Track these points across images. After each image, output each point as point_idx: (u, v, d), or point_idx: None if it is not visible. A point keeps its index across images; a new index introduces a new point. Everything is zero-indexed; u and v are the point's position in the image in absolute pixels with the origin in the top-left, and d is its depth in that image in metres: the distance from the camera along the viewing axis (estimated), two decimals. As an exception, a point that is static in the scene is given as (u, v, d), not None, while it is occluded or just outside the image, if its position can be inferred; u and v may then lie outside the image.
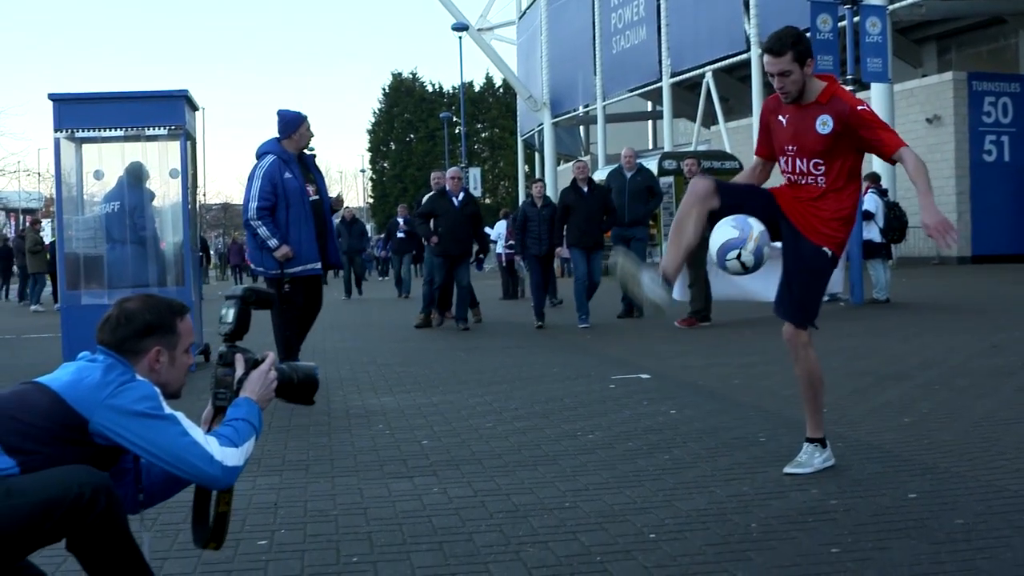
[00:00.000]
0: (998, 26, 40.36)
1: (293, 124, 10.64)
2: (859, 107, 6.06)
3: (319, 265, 10.63)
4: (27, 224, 33.13)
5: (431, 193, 18.36)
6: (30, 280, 30.20)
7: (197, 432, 3.58)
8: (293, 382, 4.11)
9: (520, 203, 21.26)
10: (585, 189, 16.62)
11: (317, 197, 10.84)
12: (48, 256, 29.51)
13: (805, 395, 6.44)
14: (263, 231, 10.33)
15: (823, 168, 6.11)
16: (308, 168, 10.91)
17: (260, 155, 10.67)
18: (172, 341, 3.81)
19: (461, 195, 17.24)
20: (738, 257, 6.11)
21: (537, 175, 68.78)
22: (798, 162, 6.19)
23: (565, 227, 16.67)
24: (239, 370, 3.94)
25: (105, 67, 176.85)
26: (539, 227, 17.10)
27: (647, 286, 5.92)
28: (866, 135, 6.03)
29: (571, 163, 63.95)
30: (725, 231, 6.13)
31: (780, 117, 6.26)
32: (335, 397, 9.92)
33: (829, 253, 6.19)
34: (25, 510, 3.27)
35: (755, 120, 35.09)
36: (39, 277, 30.00)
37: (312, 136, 10.87)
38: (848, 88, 19.96)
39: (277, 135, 10.67)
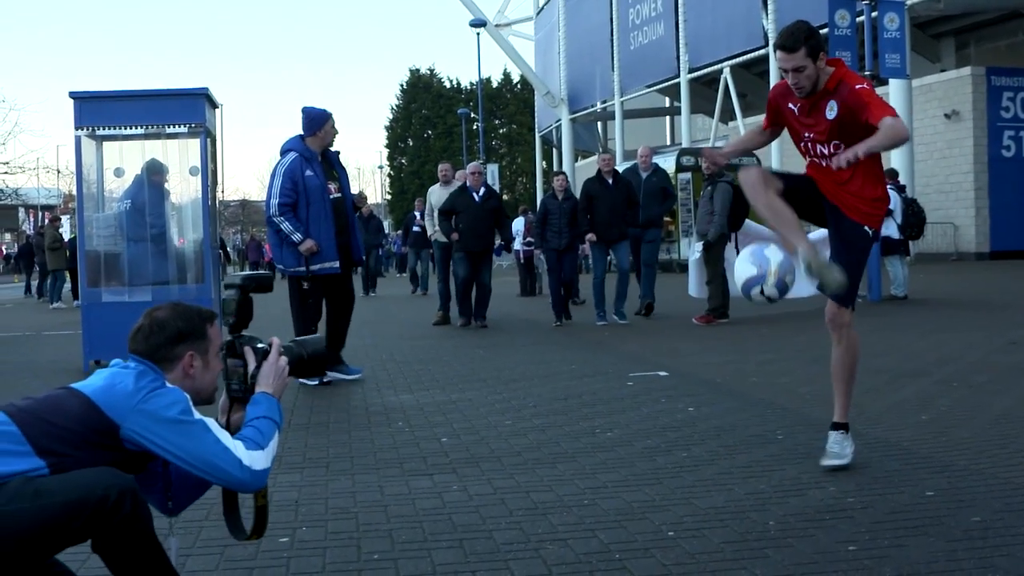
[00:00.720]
0: (1017, 20, 40.22)
1: (318, 121, 10.71)
2: (857, 85, 6.07)
3: (337, 264, 10.68)
4: (46, 221, 33.19)
5: (436, 185, 18.52)
6: (50, 277, 30.29)
7: (226, 437, 3.63)
8: (304, 358, 4.16)
9: (540, 198, 21.09)
10: (610, 181, 16.53)
11: (339, 195, 10.88)
12: (68, 253, 29.60)
13: (840, 376, 6.45)
14: (286, 226, 10.43)
15: (843, 149, 6.08)
16: (332, 165, 10.96)
17: (283, 152, 10.76)
18: (204, 346, 3.87)
19: (482, 190, 17.13)
20: (761, 292, 6.11)
21: (555, 171, 68.82)
22: (819, 147, 6.24)
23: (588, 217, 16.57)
24: (251, 363, 3.99)
25: (123, 64, 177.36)
26: (559, 220, 16.84)
27: (823, 270, 5.88)
28: (859, 111, 6.00)
29: (589, 159, 64.15)
30: (745, 268, 6.14)
31: (791, 105, 6.29)
32: (355, 395, 9.96)
33: (870, 232, 6.28)
34: (52, 510, 3.32)
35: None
36: (59, 274, 30.08)
37: (336, 133, 10.93)
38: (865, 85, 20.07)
39: (301, 132, 10.74)
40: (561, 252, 16.88)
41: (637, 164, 18.00)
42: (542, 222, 17.15)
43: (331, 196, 10.71)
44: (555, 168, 68.14)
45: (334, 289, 10.91)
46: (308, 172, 10.52)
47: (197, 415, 3.65)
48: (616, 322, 16.26)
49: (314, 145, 10.69)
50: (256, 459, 3.65)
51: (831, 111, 6.11)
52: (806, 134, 6.27)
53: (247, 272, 4.34)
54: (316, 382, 10.32)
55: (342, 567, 4.74)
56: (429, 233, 19.23)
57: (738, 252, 16.06)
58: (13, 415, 3.51)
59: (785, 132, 6.61)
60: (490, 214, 17.05)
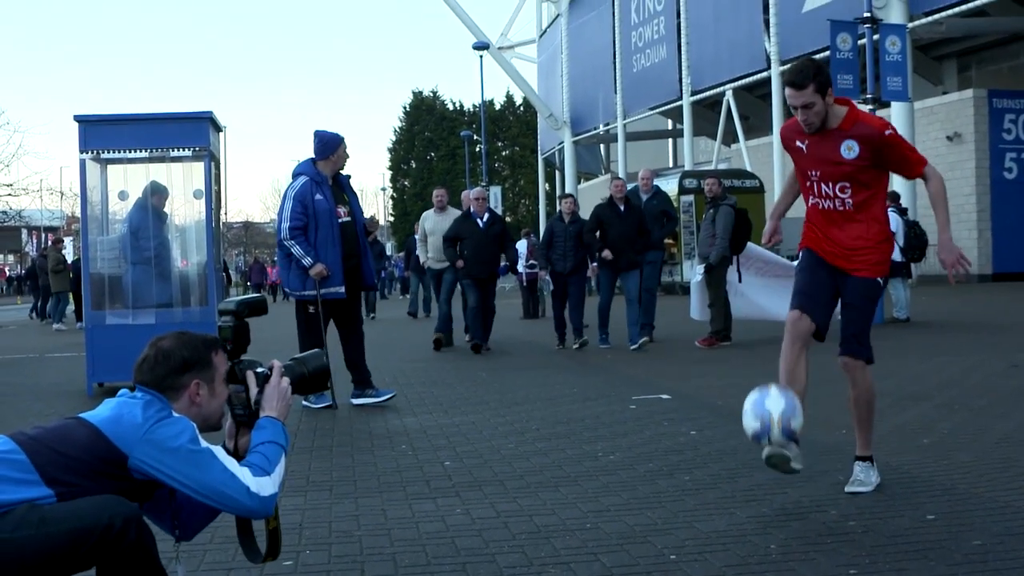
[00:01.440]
0: (1018, 43, 40.34)
1: (331, 145, 10.76)
2: (887, 131, 6.18)
3: (343, 289, 10.70)
4: (49, 243, 33.25)
5: (430, 211, 18.40)
6: (52, 299, 30.34)
7: (233, 464, 3.67)
8: (306, 376, 4.19)
9: (546, 219, 20.62)
10: (622, 207, 16.27)
11: (349, 219, 10.88)
12: (71, 275, 29.68)
13: (861, 415, 6.49)
14: (297, 250, 10.48)
15: (849, 191, 6.23)
16: (343, 189, 10.98)
17: (294, 176, 10.83)
18: (209, 375, 3.90)
19: (486, 215, 16.94)
20: (770, 442, 6.05)
21: (558, 193, 68.89)
22: (823, 186, 6.30)
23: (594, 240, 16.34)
24: (252, 389, 4.02)
25: (127, 85, 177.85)
26: (565, 243, 16.61)
27: (795, 459, 6.03)
28: (893, 158, 6.20)
29: (592, 181, 64.25)
30: (749, 423, 6.09)
31: (799, 143, 6.36)
32: (358, 418, 9.99)
33: (881, 281, 6.42)
34: (58, 538, 3.36)
35: (775, 138, 35.06)
36: (62, 296, 30.16)
37: (348, 158, 10.98)
38: (867, 107, 20.18)
39: (313, 155, 10.78)
40: (566, 275, 16.69)
41: (638, 186, 17.88)
42: (548, 245, 16.97)
43: (341, 220, 10.72)
44: (558, 190, 68.27)
45: (341, 314, 10.94)
46: (318, 196, 10.56)
47: (204, 444, 3.68)
48: (630, 347, 15.86)
49: (325, 169, 10.74)
50: (263, 485, 3.69)
51: (849, 151, 6.16)
52: (812, 172, 6.33)
53: (241, 297, 4.38)
54: (321, 405, 10.35)
55: (346, 590, 4.76)
56: (422, 260, 19.00)
57: (740, 275, 16.19)
58: (22, 443, 3.54)
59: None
60: (494, 240, 16.84)
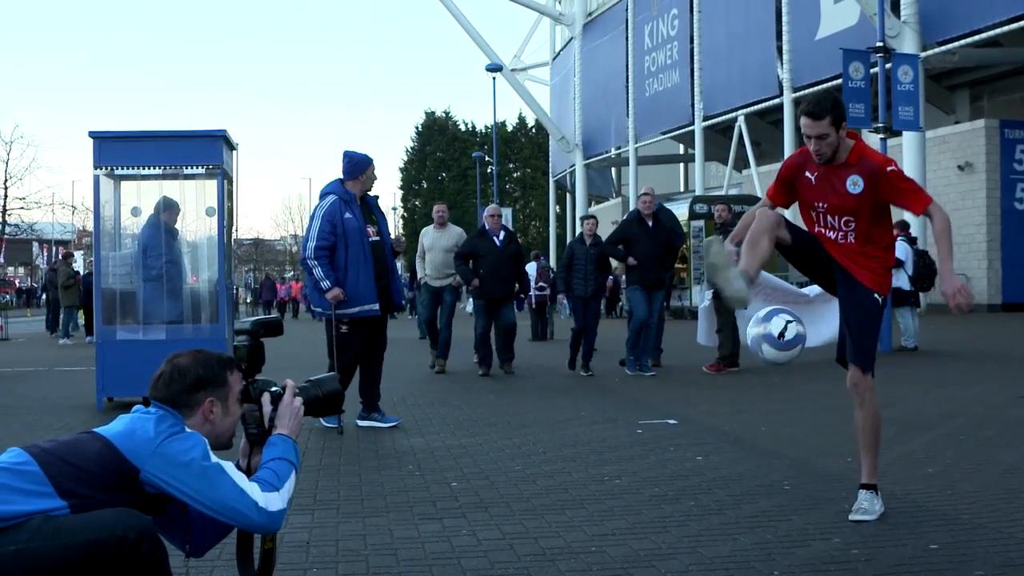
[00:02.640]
0: (1031, 74, 40.34)
1: (360, 166, 10.80)
2: (888, 168, 6.26)
3: (377, 307, 10.72)
4: (59, 257, 33.34)
5: (429, 227, 17.65)
6: (63, 313, 30.40)
7: (242, 479, 3.71)
8: (320, 398, 4.24)
9: (556, 241, 19.70)
10: (650, 223, 15.94)
11: (378, 238, 10.89)
12: (81, 289, 29.77)
13: (866, 441, 6.53)
14: (318, 271, 10.47)
15: (853, 225, 6.33)
16: (371, 209, 10.99)
17: (323, 195, 10.84)
18: (224, 393, 3.96)
19: (502, 234, 16.60)
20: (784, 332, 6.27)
21: (568, 215, 68.96)
22: (829, 218, 6.40)
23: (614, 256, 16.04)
24: (266, 408, 4.07)
25: (140, 99, 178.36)
26: (585, 266, 16.17)
27: (733, 277, 6.13)
28: (895, 195, 6.26)
29: (603, 204, 64.28)
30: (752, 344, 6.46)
31: (808, 174, 6.42)
32: (365, 437, 10.03)
33: (880, 299, 6.42)
34: (72, 549, 3.40)
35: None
36: (71, 310, 30.24)
37: (376, 179, 11.03)
38: (880, 136, 20.21)
39: (341, 176, 10.81)
40: (587, 300, 16.30)
41: (638, 209, 16.97)
42: (568, 267, 16.46)
43: (370, 239, 10.76)
44: (568, 213, 68.30)
45: (370, 332, 10.91)
46: (347, 215, 10.58)
47: (214, 459, 3.73)
48: (641, 374, 15.72)
49: (354, 188, 10.76)
50: (272, 500, 3.73)
51: (855, 186, 6.26)
52: (818, 204, 6.41)
53: (257, 317, 4.42)
54: (332, 425, 10.37)
55: (352, 609, 4.80)
56: (419, 276, 17.89)
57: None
58: (36, 455, 3.59)
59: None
60: (511, 259, 16.46)
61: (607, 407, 12.02)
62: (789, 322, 6.53)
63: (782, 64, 41.63)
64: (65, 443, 3.71)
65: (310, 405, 4.18)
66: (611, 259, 16.75)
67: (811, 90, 38.76)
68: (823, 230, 6.45)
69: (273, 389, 4.12)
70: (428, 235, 17.58)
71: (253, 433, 4.07)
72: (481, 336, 16.68)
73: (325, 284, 10.44)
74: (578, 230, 17.67)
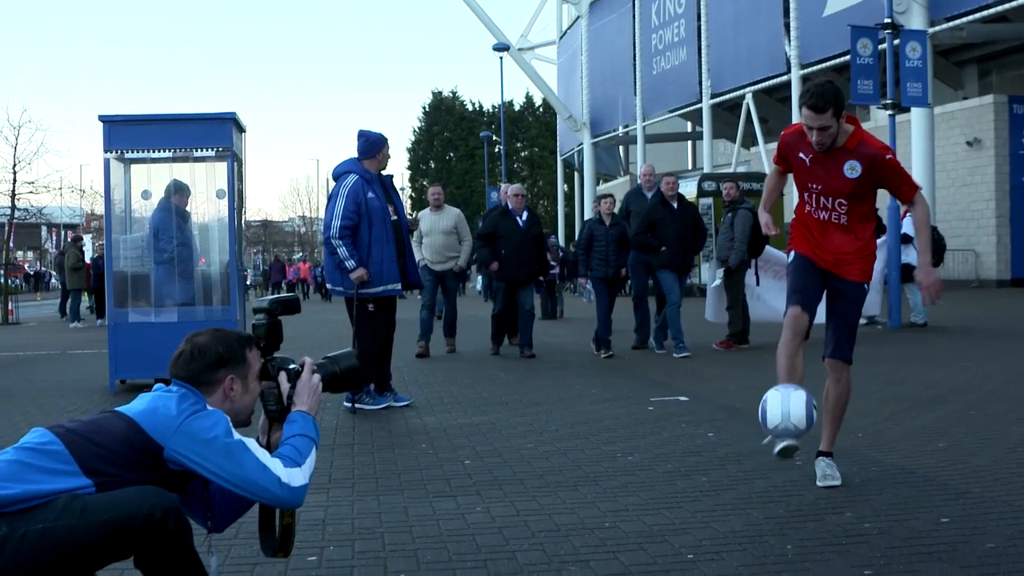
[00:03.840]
0: (1040, 49, 40.28)
1: (377, 145, 10.77)
2: (887, 155, 6.47)
3: (400, 286, 10.71)
4: (69, 241, 33.32)
5: (426, 210, 17.09)
6: (71, 296, 30.45)
7: (264, 455, 3.75)
8: (337, 374, 4.27)
9: (564, 221, 18.56)
10: (675, 205, 15.61)
11: (396, 218, 10.87)
12: (89, 273, 29.85)
13: (835, 413, 6.90)
14: (343, 251, 10.39)
15: (846, 207, 6.55)
16: (386, 189, 10.99)
17: (342, 174, 10.75)
18: (243, 371, 4.00)
19: (525, 214, 16.22)
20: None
21: (576, 194, 68.96)
22: (823, 199, 6.60)
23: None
24: (284, 385, 4.12)
25: (148, 84, 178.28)
26: (606, 247, 15.61)
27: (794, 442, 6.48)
28: (889, 181, 6.55)
29: (610, 183, 64.26)
30: (778, 426, 6.59)
31: (801, 155, 6.62)
32: (378, 417, 10.07)
33: (866, 286, 6.79)
34: (99, 527, 3.45)
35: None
36: (77, 294, 30.31)
37: (390, 158, 11.00)
38: (888, 112, 20.20)
39: (356, 155, 10.77)
40: (609, 281, 15.84)
41: (640, 185, 17.24)
42: (587, 248, 15.83)
43: (391, 219, 10.75)
44: (576, 191, 68.25)
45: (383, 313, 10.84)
46: (370, 194, 10.52)
47: (237, 435, 3.77)
48: (674, 355, 15.12)
49: (371, 168, 10.68)
50: (294, 476, 3.78)
51: (852, 171, 6.45)
52: (812, 185, 6.60)
53: (275, 296, 4.46)
54: (380, 406, 10.37)
55: (369, 585, 4.85)
56: (417, 260, 15.60)
57: (757, 279, 16.20)
58: (61, 435, 3.64)
59: None
60: (533, 241, 16.11)
61: (618, 385, 12.06)
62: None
63: (790, 41, 41.53)
64: (89, 422, 3.75)
65: (328, 382, 4.21)
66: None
67: (815, 69, 38.73)
68: (815, 210, 6.64)
69: (291, 367, 4.16)
70: (425, 218, 16.91)
71: (273, 410, 4.12)
72: (497, 316, 16.47)
73: (350, 264, 10.36)
74: (587, 209, 17.52)
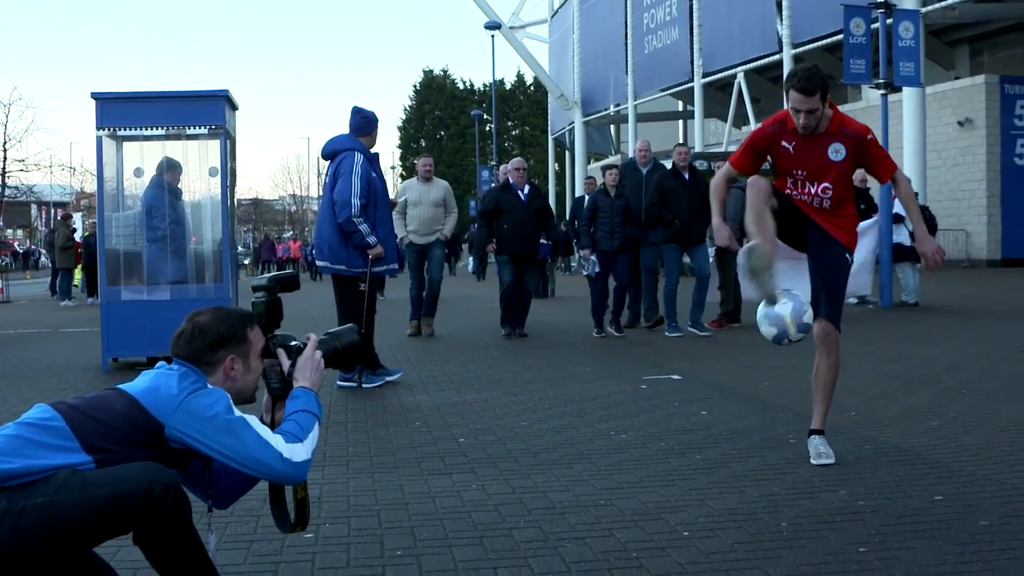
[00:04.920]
0: (1031, 29, 40.31)
1: (373, 123, 10.77)
2: (868, 136, 6.62)
3: (396, 266, 10.72)
4: (59, 219, 33.24)
5: (412, 180, 16.81)
6: (60, 275, 30.37)
7: (266, 432, 3.75)
8: (339, 350, 4.27)
9: (555, 199, 17.42)
10: (687, 176, 15.35)
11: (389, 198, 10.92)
12: (83, 252, 29.78)
13: (826, 389, 6.92)
14: (365, 228, 10.37)
15: (831, 192, 6.62)
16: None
17: (344, 151, 10.61)
18: (245, 350, 3.99)
19: (527, 188, 15.87)
20: (789, 341, 6.61)
21: (567, 173, 68.96)
22: (808, 185, 6.65)
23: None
24: (285, 362, 4.12)
25: (138, 62, 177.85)
26: (611, 219, 15.14)
27: (770, 276, 6.41)
28: (871, 160, 6.68)
29: (601, 161, 64.25)
30: (767, 330, 6.63)
31: (785, 143, 6.67)
32: (371, 394, 10.08)
33: (851, 257, 6.82)
34: (98, 501, 3.45)
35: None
36: (67, 272, 30.25)
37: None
38: (881, 91, 20.21)
39: (351, 132, 10.73)
40: (613, 254, 15.33)
41: (634, 159, 16.85)
42: (591, 221, 15.34)
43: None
44: (567, 170, 68.20)
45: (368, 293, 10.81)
46: (373, 173, 10.56)
47: (238, 412, 3.77)
48: (696, 334, 15.10)
49: (367, 145, 10.71)
50: (296, 451, 3.78)
51: (837, 154, 6.57)
52: (797, 172, 6.65)
53: (273, 273, 4.46)
54: (377, 384, 10.37)
55: (366, 563, 4.86)
56: (400, 235, 15.70)
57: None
58: (62, 412, 3.64)
59: None
60: (536, 214, 15.79)
61: (610, 363, 12.08)
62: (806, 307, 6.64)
63: (782, 20, 41.53)
64: (91, 399, 3.75)
65: (330, 358, 4.22)
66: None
67: (807, 48, 38.71)
68: (798, 195, 6.70)
69: (292, 343, 4.16)
70: (413, 189, 16.44)
71: (275, 387, 4.12)
72: (507, 292, 15.80)
73: (372, 240, 10.31)
74: (578, 187, 17.34)
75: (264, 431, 3.76)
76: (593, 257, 15.40)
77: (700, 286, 15.42)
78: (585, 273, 15.60)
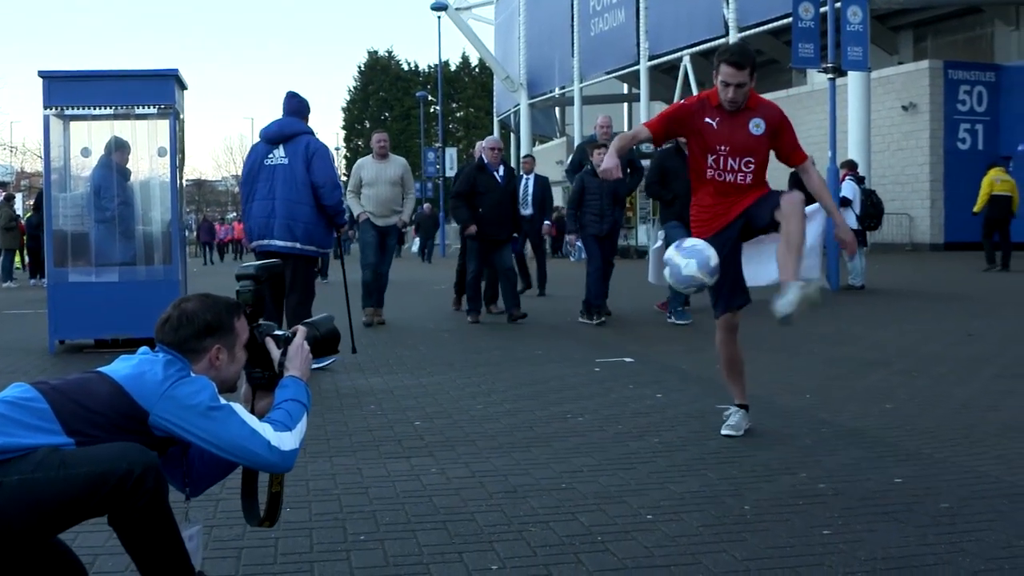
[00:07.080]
0: (974, 15, 40.70)
1: (308, 107, 10.81)
2: (784, 116, 6.90)
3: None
4: (1, 199, 32.81)
5: (367, 158, 15.25)
6: (3, 256, 30.03)
7: (253, 420, 3.71)
8: (318, 338, 4.24)
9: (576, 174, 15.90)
10: (687, 153, 14.47)
11: None
12: (24, 233, 29.48)
13: (739, 368, 7.28)
14: (347, 208, 10.47)
15: (752, 166, 6.78)
16: None
17: (301, 134, 10.54)
18: (230, 340, 3.94)
19: (501, 168, 15.02)
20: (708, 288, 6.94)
21: (512, 155, 68.89)
22: (730, 160, 6.78)
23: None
24: (275, 352, 4.07)
25: (79, 41, 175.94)
26: (600, 201, 14.34)
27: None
28: (785, 140, 6.87)
29: (547, 144, 64.28)
30: (684, 288, 7.04)
31: (708, 120, 6.80)
32: (324, 377, 10.00)
33: None
34: (76, 480, 3.39)
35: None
36: (11, 254, 29.94)
37: None
38: (828, 76, 20.32)
39: (292, 115, 10.72)
40: (602, 239, 14.56)
41: (596, 136, 15.90)
42: (577, 204, 14.60)
43: None
44: (512, 152, 68.09)
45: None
46: None
47: (223, 400, 3.73)
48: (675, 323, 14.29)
49: None
50: (284, 440, 3.73)
51: (757, 128, 6.75)
52: (720, 147, 6.76)
53: (261, 262, 4.40)
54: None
55: (329, 547, 4.83)
56: (355, 213, 14.80)
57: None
58: (46, 393, 3.57)
59: None
60: (513, 196, 15.17)
61: (563, 346, 12.08)
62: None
63: (728, 3, 41.65)
64: (74, 382, 3.69)
65: (313, 346, 4.18)
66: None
67: (753, 32, 38.85)
68: (720, 173, 6.81)
69: (277, 333, 4.11)
70: (368, 167, 15.03)
71: (257, 377, 4.07)
72: (472, 281, 15.16)
73: (352, 217, 10.52)
74: (518, 169, 16.72)
75: (251, 419, 3.71)
76: (579, 243, 14.69)
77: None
78: (572, 260, 15.24)
